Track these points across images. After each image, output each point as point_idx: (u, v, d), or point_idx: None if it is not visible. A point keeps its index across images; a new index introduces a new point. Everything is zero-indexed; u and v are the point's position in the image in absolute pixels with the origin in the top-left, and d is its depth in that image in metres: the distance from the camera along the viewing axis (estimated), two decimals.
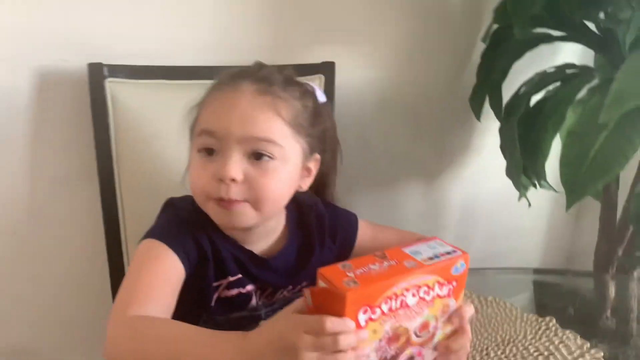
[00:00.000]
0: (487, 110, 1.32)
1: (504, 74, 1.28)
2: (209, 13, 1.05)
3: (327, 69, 1.10)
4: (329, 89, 1.11)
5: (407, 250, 0.58)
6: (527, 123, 1.22)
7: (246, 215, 0.68)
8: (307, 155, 0.72)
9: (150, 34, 1.01)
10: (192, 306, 0.71)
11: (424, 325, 0.58)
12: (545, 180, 1.24)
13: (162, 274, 0.65)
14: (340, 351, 0.50)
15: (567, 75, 1.23)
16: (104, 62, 0.95)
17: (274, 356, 0.51)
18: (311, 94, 0.74)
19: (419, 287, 0.56)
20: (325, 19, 1.18)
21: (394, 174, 1.44)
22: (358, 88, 1.27)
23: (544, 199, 1.55)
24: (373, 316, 0.53)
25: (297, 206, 0.80)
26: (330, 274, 0.52)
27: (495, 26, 1.24)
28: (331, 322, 0.49)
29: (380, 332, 0.54)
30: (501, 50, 1.26)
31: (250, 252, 0.74)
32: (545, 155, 1.20)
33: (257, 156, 0.67)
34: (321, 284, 0.52)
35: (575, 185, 1.06)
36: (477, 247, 1.53)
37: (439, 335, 0.61)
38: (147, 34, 1.01)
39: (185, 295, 0.68)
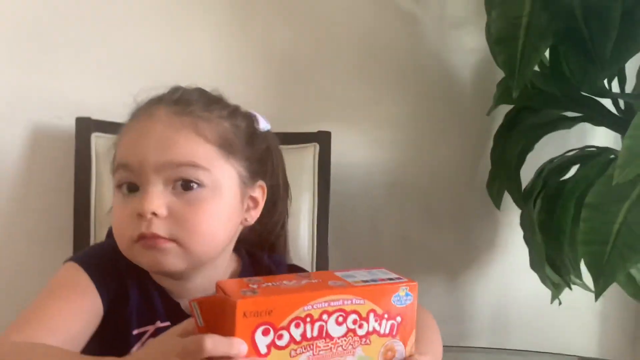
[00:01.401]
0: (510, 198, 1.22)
1: (520, 158, 1.20)
2: (202, 74, 1.08)
3: (322, 138, 1.07)
4: (324, 159, 1.07)
5: (340, 273, 0.48)
6: (547, 206, 1.11)
7: (173, 255, 0.59)
8: (246, 181, 0.65)
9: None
10: (113, 354, 0.61)
11: None
12: (576, 274, 1.09)
13: (74, 301, 0.57)
14: None
15: (588, 156, 1.13)
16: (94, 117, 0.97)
17: None
18: (243, 114, 0.68)
19: (346, 312, 0.45)
20: (324, 95, 1.18)
21: (407, 265, 1.31)
22: (362, 167, 1.23)
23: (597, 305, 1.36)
24: (279, 342, 0.42)
25: (256, 265, 0.71)
26: (228, 285, 0.43)
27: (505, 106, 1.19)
28: (212, 342, 0.39)
29: None
30: (516, 133, 1.20)
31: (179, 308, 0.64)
32: (570, 242, 1.07)
33: (184, 186, 0.59)
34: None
35: (600, 268, 0.92)
36: None
37: None
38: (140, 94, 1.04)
39: (103, 341, 0.60)
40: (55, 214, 1.02)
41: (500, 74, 1.10)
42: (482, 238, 1.35)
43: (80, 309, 0.57)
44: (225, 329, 0.41)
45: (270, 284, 0.44)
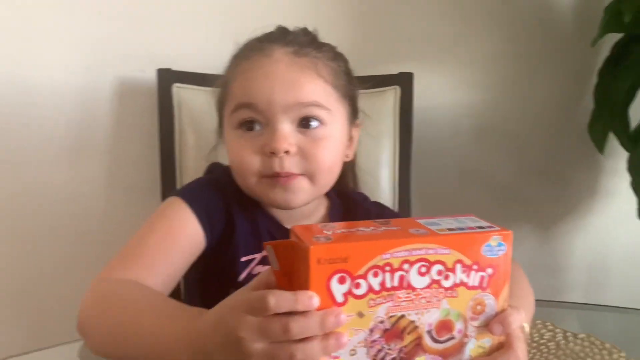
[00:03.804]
0: (615, 141, 1.10)
1: (629, 95, 1.06)
2: (281, 19, 1.05)
3: (404, 81, 1.01)
4: (406, 103, 1.01)
5: (424, 220, 0.44)
6: None
7: (304, 190, 0.63)
8: (351, 119, 0.68)
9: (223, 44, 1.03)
10: (219, 282, 0.64)
11: (444, 325, 0.43)
12: None
13: (175, 236, 0.59)
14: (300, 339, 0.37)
15: None
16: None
17: (218, 346, 0.40)
18: (341, 55, 0.70)
19: (429, 262, 0.41)
20: (408, 32, 1.10)
21: (497, 215, 1.23)
22: (448, 110, 1.15)
23: None
24: (356, 291, 0.40)
25: (344, 199, 0.74)
26: (303, 230, 0.41)
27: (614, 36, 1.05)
28: (276, 299, 0.37)
29: (370, 318, 0.41)
30: (625, 66, 1.06)
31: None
32: None
33: (305, 124, 0.62)
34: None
35: None
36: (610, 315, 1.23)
37: (471, 347, 0.44)
38: (220, 45, 1.02)
39: (210, 269, 0.63)
40: (143, 164, 1.05)
41: None
42: (582, 186, 1.24)
43: (180, 243, 0.59)
44: (300, 275, 0.39)
45: (345, 230, 0.41)
